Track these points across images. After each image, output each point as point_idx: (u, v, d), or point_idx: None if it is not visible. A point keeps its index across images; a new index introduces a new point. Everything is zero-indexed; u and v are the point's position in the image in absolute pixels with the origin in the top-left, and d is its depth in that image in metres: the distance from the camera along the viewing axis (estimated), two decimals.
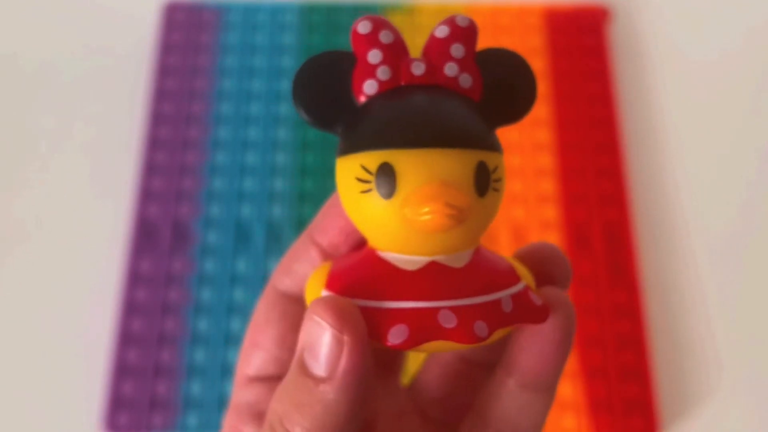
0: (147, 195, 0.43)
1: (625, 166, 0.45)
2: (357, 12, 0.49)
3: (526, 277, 0.19)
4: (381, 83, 0.18)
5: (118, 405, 0.39)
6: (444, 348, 0.17)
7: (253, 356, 0.22)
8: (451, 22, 0.18)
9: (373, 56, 0.18)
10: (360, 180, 0.17)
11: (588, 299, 0.41)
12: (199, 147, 0.45)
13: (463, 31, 0.18)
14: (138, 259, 0.42)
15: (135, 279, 0.41)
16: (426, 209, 0.16)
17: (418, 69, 0.18)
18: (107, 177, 0.45)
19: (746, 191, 0.45)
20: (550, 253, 0.20)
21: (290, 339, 0.21)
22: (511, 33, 0.48)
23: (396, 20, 0.49)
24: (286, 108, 0.46)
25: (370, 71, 0.18)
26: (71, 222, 0.44)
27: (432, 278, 0.17)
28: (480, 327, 0.16)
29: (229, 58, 0.48)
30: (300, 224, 0.43)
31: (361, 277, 0.18)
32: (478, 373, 0.22)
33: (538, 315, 0.18)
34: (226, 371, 0.40)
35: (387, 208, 0.17)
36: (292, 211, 0.43)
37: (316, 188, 0.44)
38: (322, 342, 0.16)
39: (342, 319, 0.16)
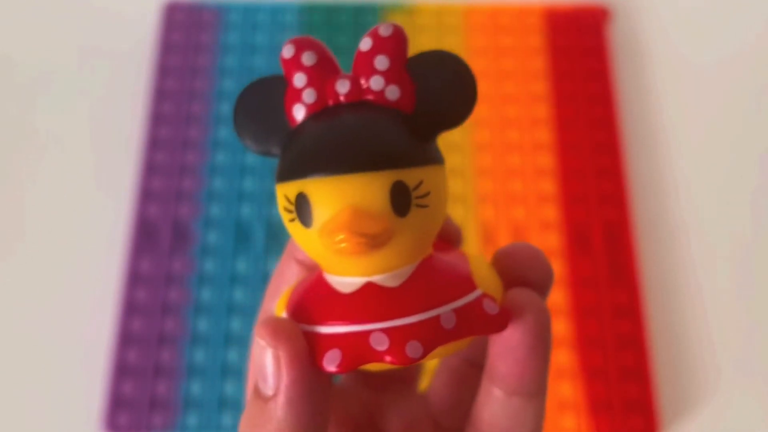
0: (147, 195, 0.43)
1: (625, 166, 0.45)
2: (357, 12, 0.49)
3: (488, 284, 0.18)
4: (308, 106, 0.18)
5: (118, 405, 0.39)
6: (385, 368, 0.17)
7: None
8: (374, 33, 0.18)
9: (298, 80, 0.18)
10: (286, 209, 0.17)
11: (588, 299, 0.41)
12: (199, 147, 0.45)
13: (387, 41, 0.17)
14: (138, 259, 0.42)
15: (135, 279, 0.41)
16: (338, 237, 0.16)
17: (342, 87, 0.17)
18: (107, 177, 0.45)
19: (746, 191, 0.45)
20: (526, 254, 0.19)
21: None
22: (511, 33, 0.48)
23: (396, 20, 0.49)
24: None
25: (297, 95, 0.18)
26: (71, 222, 0.44)
27: (365, 300, 0.17)
28: (413, 347, 0.16)
29: (229, 58, 0.48)
30: None
31: (304, 301, 0.18)
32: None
33: (493, 325, 0.17)
34: (226, 371, 0.40)
35: (310, 236, 0.17)
36: None
37: None
38: (265, 362, 0.17)
39: (275, 337, 0.17)
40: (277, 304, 0.19)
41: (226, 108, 0.46)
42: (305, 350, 0.17)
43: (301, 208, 0.17)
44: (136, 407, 0.39)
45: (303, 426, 0.17)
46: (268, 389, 0.17)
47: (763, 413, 0.40)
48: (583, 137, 0.46)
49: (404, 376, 0.24)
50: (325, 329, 0.17)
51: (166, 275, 0.42)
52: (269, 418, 0.17)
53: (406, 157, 0.17)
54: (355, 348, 0.16)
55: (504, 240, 0.43)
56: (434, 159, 0.17)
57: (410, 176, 0.17)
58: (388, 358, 0.16)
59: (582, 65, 0.48)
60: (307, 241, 0.17)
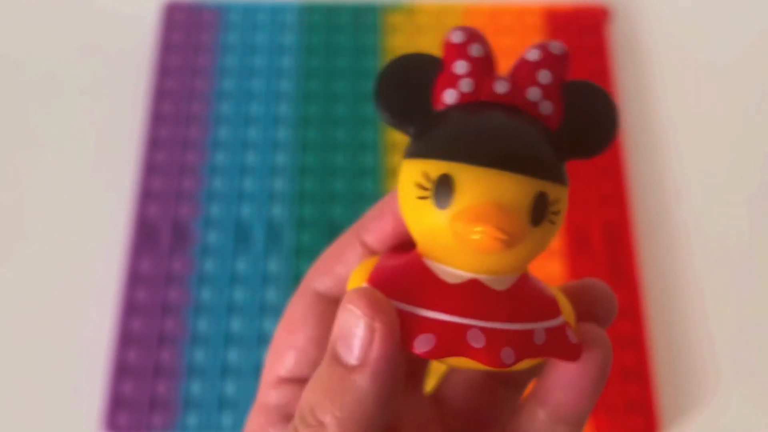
0: (147, 195, 0.43)
1: (625, 166, 0.45)
2: (357, 12, 0.49)
3: (567, 313, 0.19)
4: (461, 95, 0.18)
5: (118, 405, 0.39)
6: (467, 365, 0.17)
7: (287, 356, 0.21)
8: (544, 47, 0.18)
9: (460, 67, 0.18)
10: (419, 186, 0.17)
11: None
12: (199, 147, 0.45)
13: (554, 59, 0.18)
14: (138, 259, 0.42)
15: (135, 279, 0.41)
16: (477, 228, 0.16)
17: (501, 87, 0.18)
18: (107, 177, 0.45)
19: (746, 191, 0.45)
20: (598, 291, 0.20)
21: (327, 342, 0.21)
22: (511, 33, 0.48)
23: (396, 20, 0.49)
24: (286, 108, 0.46)
25: (453, 81, 0.18)
26: (71, 222, 0.44)
27: (470, 295, 0.17)
28: (507, 353, 0.17)
29: (229, 58, 0.48)
30: (300, 224, 0.43)
31: (400, 279, 0.18)
32: (502, 389, 0.22)
33: (571, 353, 0.18)
34: (226, 371, 0.40)
35: (439, 218, 0.17)
36: (292, 211, 0.43)
37: (316, 188, 0.44)
38: (355, 331, 0.17)
39: (374, 308, 0.17)
40: (352, 276, 0.19)
41: (226, 108, 0.46)
42: (398, 327, 0.17)
43: (441, 188, 0.17)
44: (136, 407, 0.39)
45: (382, 400, 0.17)
46: (353, 358, 0.17)
47: (763, 413, 0.40)
48: None
49: (414, 373, 0.24)
50: (423, 312, 0.17)
51: (166, 275, 0.42)
52: (350, 387, 0.17)
53: (553, 171, 0.17)
54: (450, 338, 0.17)
55: None
56: (567, 181, 0.18)
57: (552, 190, 0.17)
58: (481, 357, 0.17)
59: (582, 65, 0.48)
60: (430, 222, 0.17)
